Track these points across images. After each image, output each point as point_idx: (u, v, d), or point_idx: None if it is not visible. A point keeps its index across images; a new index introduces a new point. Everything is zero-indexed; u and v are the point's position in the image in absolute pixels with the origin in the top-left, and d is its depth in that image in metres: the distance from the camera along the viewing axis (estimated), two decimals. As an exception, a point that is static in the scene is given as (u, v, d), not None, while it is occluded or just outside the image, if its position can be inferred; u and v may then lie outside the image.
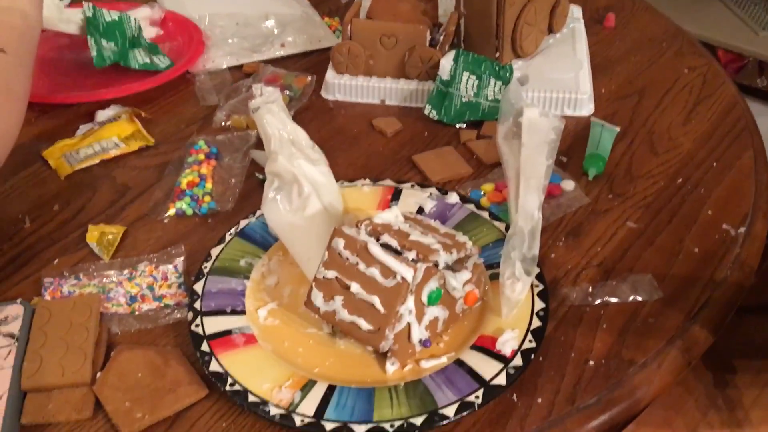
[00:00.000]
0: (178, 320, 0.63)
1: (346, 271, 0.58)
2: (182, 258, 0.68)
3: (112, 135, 0.82)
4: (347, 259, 0.58)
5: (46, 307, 0.62)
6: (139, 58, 0.92)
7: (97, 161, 0.80)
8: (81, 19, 0.92)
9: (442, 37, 0.90)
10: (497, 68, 0.88)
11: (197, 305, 0.62)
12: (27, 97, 0.66)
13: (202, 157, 0.79)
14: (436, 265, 0.57)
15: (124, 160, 0.81)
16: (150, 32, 0.99)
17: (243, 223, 0.70)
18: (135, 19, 0.96)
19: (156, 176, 0.79)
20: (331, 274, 0.59)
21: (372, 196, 0.73)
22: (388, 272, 0.56)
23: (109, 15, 0.93)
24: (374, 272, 0.57)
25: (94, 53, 0.90)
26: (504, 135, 0.79)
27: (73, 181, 0.79)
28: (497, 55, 0.90)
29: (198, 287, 0.64)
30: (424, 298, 0.57)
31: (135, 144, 0.82)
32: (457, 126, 0.85)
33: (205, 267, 0.66)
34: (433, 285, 0.57)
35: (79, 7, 0.92)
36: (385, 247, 0.58)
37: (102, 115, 0.86)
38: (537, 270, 0.63)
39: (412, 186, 0.74)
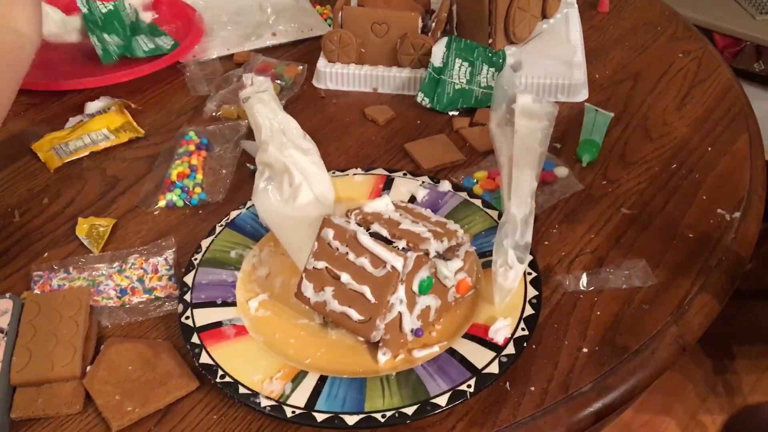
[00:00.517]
0: (168, 312, 0.62)
1: (336, 261, 0.58)
2: (172, 250, 0.68)
3: (102, 127, 0.81)
4: (337, 249, 0.58)
5: (35, 300, 0.62)
6: (143, 45, 0.92)
7: (86, 153, 0.79)
8: (80, 24, 0.91)
9: (434, 24, 0.89)
10: (490, 54, 0.87)
11: (187, 297, 0.62)
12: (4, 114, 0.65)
13: (192, 148, 0.79)
14: (426, 253, 0.57)
15: (114, 151, 0.80)
16: (145, 17, 0.99)
17: (234, 214, 0.70)
18: (129, 5, 0.95)
19: (146, 168, 0.78)
20: (321, 264, 0.58)
21: (364, 185, 0.73)
22: (378, 262, 0.56)
23: (104, 6, 0.93)
24: (364, 262, 0.56)
25: (99, 51, 0.90)
26: (497, 122, 0.78)
27: (63, 174, 0.78)
28: (490, 41, 0.89)
29: (188, 279, 0.63)
30: (415, 287, 0.57)
31: (125, 135, 0.81)
32: (450, 113, 0.84)
33: (196, 259, 0.65)
34: (424, 274, 0.57)
35: (77, 14, 0.92)
36: (375, 236, 0.57)
37: (91, 107, 0.85)
38: (530, 257, 0.63)
39: (405, 174, 0.73)
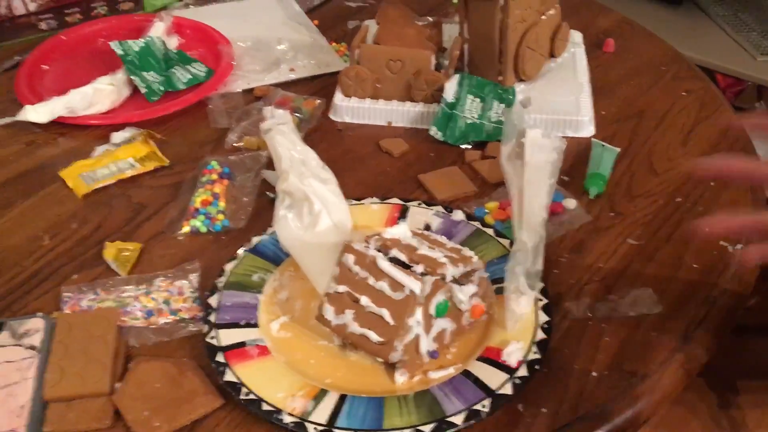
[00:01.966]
0: (193, 333, 0.65)
1: (356, 285, 0.60)
2: (197, 273, 0.70)
3: (128, 156, 0.85)
4: (357, 273, 0.61)
5: (66, 320, 0.64)
6: (181, 77, 0.96)
7: (113, 181, 0.83)
8: (122, 74, 0.95)
9: (446, 62, 0.93)
10: (500, 91, 0.91)
11: (212, 318, 0.64)
12: None
13: (215, 176, 0.82)
14: (443, 278, 0.59)
15: (140, 179, 0.84)
16: (171, 44, 1.03)
17: (255, 239, 0.72)
18: (157, 38, 0.99)
19: (170, 195, 0.81)
20: (342, 288, 0.61)
21: (380, 214, 0.76)
22: (396, 285, 0.58)
23: (136, 44, 0.97)
24: (383, 286, 0.59)
25: (144, 90, 0.94)
26: (507, 155, 0.81)
27: (90, 200, 0.81)
28: (500, 78, 0.93)
29: (212, 301, 0.66)
30: (432, 311, 0.59)
31: (150, 164, 0.84)
32: (462, 147, 0.88)
33: (219, 282, 0.68)
34: (440, 298, 0.59)
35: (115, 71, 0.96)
36: (394, 261, 0.60)
37: (117, 136, 0.89)
38: (541, 285, 0.65)
39: (419, 204, 0.76)
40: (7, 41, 1.09)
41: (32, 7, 1.11)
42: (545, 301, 0.65)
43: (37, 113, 0.90)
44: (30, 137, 0.91)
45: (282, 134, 0.84)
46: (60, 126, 0.91)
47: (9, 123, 0.92)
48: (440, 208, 0.76)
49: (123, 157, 0.85)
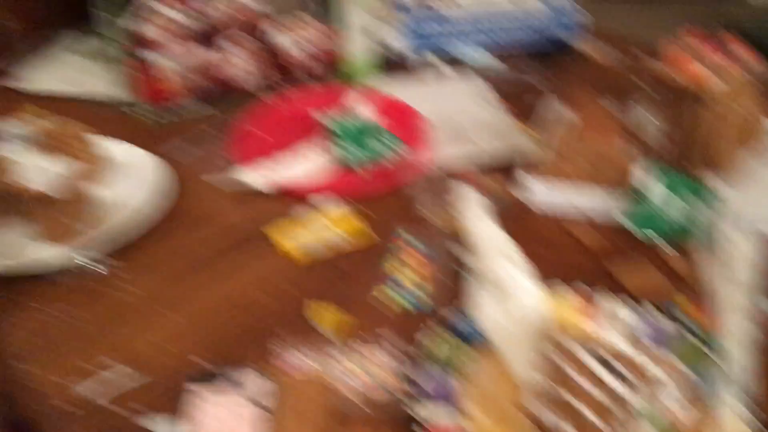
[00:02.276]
0: (395, 406, 0.68)
1: (563, 382, 0.61)
2: (397, 346, 0.74)
3: (341, 229, 0.90)
4: (563, 369, 0.62)
5: (280, 378, 0.70)
6: (380, 150, 1.02)
7: (326, 254, 0.88)
8: (323, 146, 1.03)
9: (640, 151, 0.93)
10: (697, 186, 0.89)
11: (413, 393, 0.67)
12: None
13: (408, 249, 0.86)
14: (653, 387, 0.59)
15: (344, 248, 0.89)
16: (369, 114, 1.09)
17: (452, 317, 0.75)
18: (359, 111, 1.06)
19: (369, 264, 0.86)
20: (546, 382, 0.62)
21: (573, 304, 0.76)
22: (608, 392, 0.59)
23: (340, 117, 1.05)
24: (592, 388, 0.59)
25: (346, 161, 1.01)
26: (706, 256, 0.80)
27: (298, 262, 0.87)
28: (696, 171, 0.92)
29: (414, 377, 0.69)
30: (641, 419, 0.59)
31: (360, 240, 0.89)
32: (654, 239, 0.87)
33: (420, 358, 0.71)
34: (648, 406, 0.59)
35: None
36: (605, 364, 0.60)
37: (319, 200, 0.95)
38: (750, 401, 0.63)
39: (610, 296, 0.76)
40: (220, 105, 1.20)
41: (241, 73, 1.22)
42: (758, 420, 0.62)
43: (251, 176, 0.99)
44: (238, 195, 0.99)
45: (474, 214, 0.88)
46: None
47: (222, 180, 1.01)
48: (633, 303, 0.75)
49: (335, 229, 0.90)
